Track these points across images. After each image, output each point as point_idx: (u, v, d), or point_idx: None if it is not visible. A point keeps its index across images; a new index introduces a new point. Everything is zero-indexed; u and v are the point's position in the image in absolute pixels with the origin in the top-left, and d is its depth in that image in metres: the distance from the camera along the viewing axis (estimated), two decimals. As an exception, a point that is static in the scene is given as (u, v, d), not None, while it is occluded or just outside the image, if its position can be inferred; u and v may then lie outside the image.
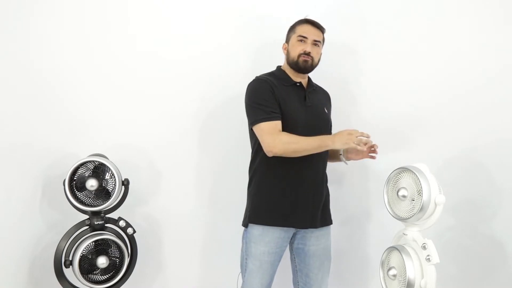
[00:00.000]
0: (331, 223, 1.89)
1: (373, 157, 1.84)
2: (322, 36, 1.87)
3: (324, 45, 1.90)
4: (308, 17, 1.87)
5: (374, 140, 2.25)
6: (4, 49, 1.97)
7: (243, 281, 1.82)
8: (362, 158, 1.87)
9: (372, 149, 1.81)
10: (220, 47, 2.21)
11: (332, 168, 2.16)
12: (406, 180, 1.64)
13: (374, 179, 2.25)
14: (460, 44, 2.26)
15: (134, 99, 2.15)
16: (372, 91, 2.27)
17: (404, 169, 1.66)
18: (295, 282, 1.91)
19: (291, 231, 1.79)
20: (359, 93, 2.26)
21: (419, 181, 1.57)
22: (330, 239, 1.89)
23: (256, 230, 1.76)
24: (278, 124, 1.71)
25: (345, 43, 2.27)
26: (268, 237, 1.75)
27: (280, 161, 1.72)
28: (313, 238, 1.82)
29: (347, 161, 1.94)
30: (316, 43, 1.83)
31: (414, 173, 1.60)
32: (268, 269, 1.77)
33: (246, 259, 1.80)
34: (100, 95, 2.12)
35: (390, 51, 2.26)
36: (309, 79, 1.93)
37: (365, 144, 1.67)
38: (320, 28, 1.86)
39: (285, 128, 1.72)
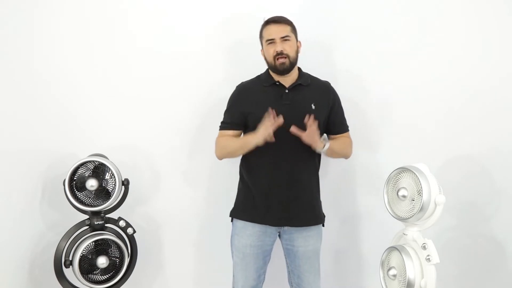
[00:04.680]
0: (320, 223, 1.88)
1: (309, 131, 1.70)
2: (288, 28, 1.80)
3: (297, 33, 1.84)
4: (269, 17, 1.82)
5: (375, 140, 2.28)
6: (3, 50, 1.97)
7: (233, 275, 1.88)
8: (308, 138, 1.70)
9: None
10: (219, 48, 2.21)
11: (332, 168, 2.16)
12: (406, 180, 1.64)
13: (374, 179, 2.24)
14: (461, 45, 2.25)
15: (134, 100, 2.16)
16: (372, 91, 2.27)
17: (404, 169, 1.66)
18: (290, 281, 1.92)
19: (272, 228, 1.82)
20: (359, 93, 2.26)
21: (419, 181, 1.57)
22: (320, 240, 1.88)
23: (239, 223, 1.85)
24: (225, 133, 1.86)
25: (343, 42, 2.25)
26: (249, 230, 1.81)
27: (254, 162, 1.82)
28: (300, 238, 1.82)
29: (318, 150, 1.81)
30: (285, 38, 1.78)
31: (414, 173, 1.59)
32: (251, 262, 1.79)
33: (233, 252, 1.87)
34: (100, 96, 2.12)
35: (389, 50, 2.25)
36: (300, 74, 1.88)
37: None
38: (284, 22, 1.81)
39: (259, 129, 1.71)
